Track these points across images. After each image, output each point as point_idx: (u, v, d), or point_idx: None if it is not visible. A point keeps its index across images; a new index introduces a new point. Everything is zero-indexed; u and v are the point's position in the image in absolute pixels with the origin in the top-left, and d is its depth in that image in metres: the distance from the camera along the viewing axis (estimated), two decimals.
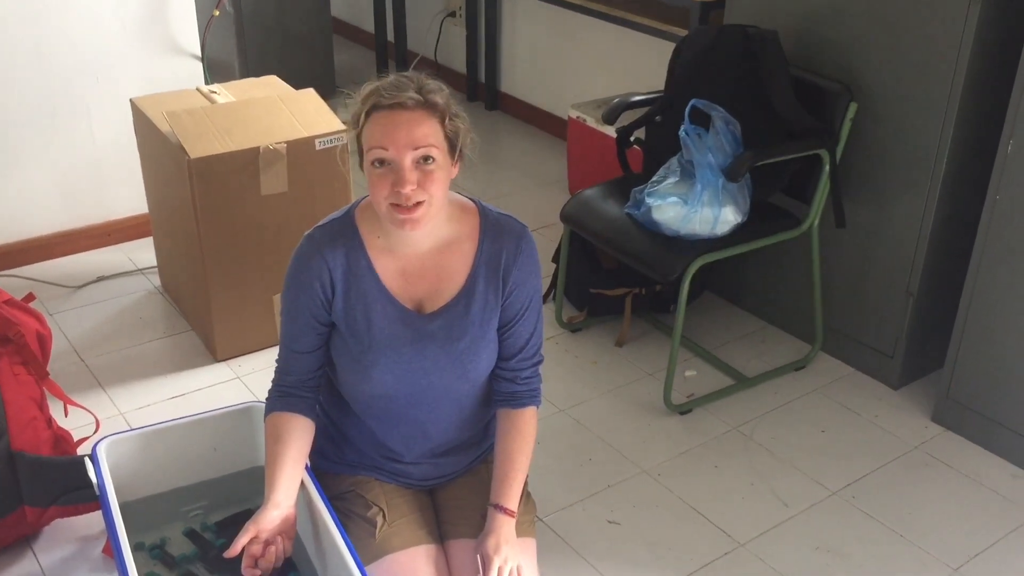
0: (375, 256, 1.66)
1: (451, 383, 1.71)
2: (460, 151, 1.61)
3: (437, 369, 1.68)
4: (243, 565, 1.57)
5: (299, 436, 1.68)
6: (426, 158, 1.54)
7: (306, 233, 1.69)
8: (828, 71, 2.57)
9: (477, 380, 1.73)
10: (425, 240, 1.65)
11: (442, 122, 1.56)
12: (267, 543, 1.58)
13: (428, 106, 1.54)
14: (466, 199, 1.73)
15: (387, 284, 1.66)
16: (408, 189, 1.53)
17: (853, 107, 2.48)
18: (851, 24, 2.52)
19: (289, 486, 1.63)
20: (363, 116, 1.57)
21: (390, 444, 1.76)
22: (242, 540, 1.56)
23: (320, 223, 1.70)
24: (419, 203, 1.55)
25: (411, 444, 1.76)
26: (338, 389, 1.78)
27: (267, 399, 1.74)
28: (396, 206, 1.56)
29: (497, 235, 1.69)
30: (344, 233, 1.66)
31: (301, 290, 1.66)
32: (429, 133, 1.54)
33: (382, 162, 1.55)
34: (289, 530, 1.61)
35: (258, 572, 1.57)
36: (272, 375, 1.75)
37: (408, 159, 1.53)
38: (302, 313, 1.67)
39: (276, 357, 1.75)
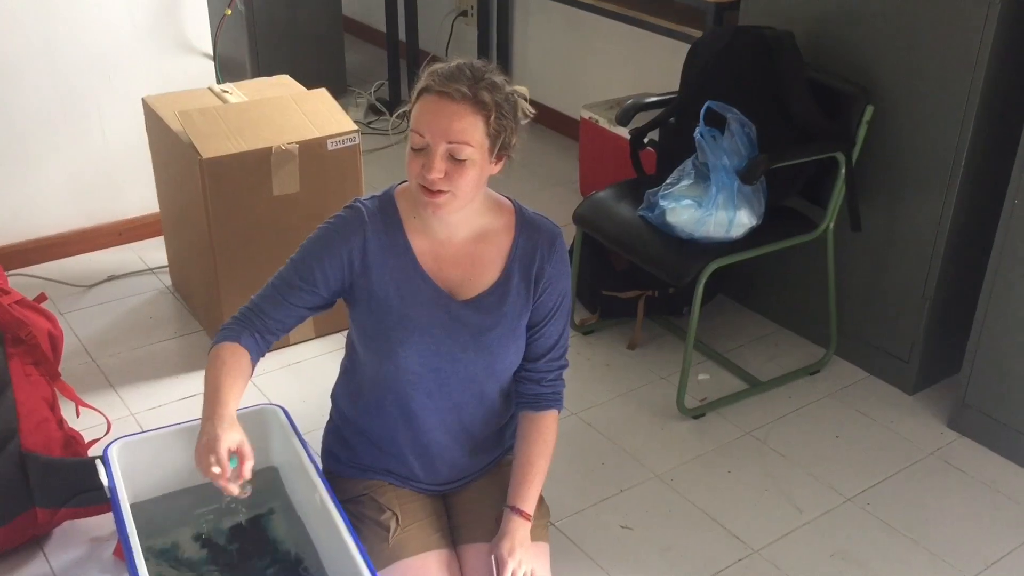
0: (412, 235, 1.66)
1: (476, 373, 1.69)
2: (503, 150, 1.59)
3: (464, 357, 1.67)
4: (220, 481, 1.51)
5: (245, 371, 1.62)
6: (459, 152, 1.53)
7: (350, 202, 1.68)
8: (845, 73, 2.54)
9: (501, 375, 1.72)
10: (460, 228, 1.66)
11: (486, 120, 1.53)
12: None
13: (475, 102, 1.52)
14: (503, 197, 1.73)
15: (423, 264, 1.66)
16: (434, 175, 1.53)
17: (870, 110, 2.46)
18: (868, 26, 2.50)
19: (235, 406, 1.57)
20: (414, 95, 1.57)
21: (402, 441, 1.74)
22: (214, 467, 1.50)
23: (361, 198, 1.70)
24: (444, 191, 1.55)
25: (426, 439, 1.73)
26: (355, 383, 1.76)
27: (224, 327, 1.66)
28: (423, 187, 1.56)
29: (532, 233, 1.70)
30: (385, 209, 1.67)
31: (328, 250, 1.64)
32: (467, 129, 1.52)
33: (418, 149, 1.55)
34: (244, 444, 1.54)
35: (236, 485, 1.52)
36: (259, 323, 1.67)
37: (441, 148, 1.53)
38: (314, 270, 1.63)
39: (255, 296, 1.68)
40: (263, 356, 1.69)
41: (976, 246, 2.48)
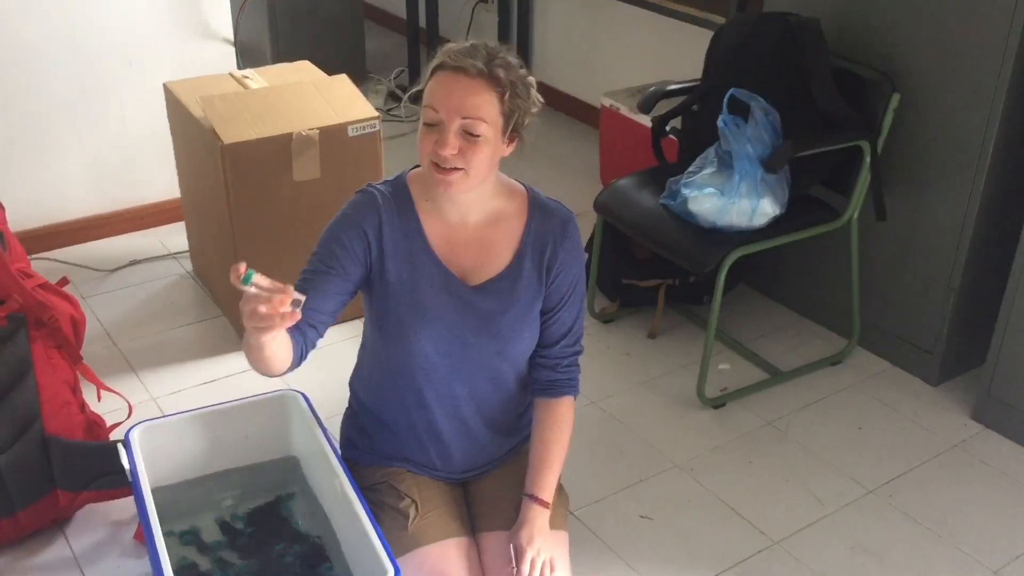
0: (424, 219, 1.65)
1: (488, 359, 1.69)
2: (516, 131, 1.59)
3: (476, 342, 1.67)
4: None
5: (286, 341, 1.55)
6: (473, 128, 1.52)
7: (362, 187, 1.68)
8: (870, 61, 2.51)
9: (515, 360, 1.72)
10: (472, 211, 1.65)
11: (501, 97, 1.53)
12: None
13: (490, 78, 1.52)
14: (516, 182, 1.72)
15: (435, 249, 1.66)
16: (447, 152, 1.53)
17: (896, 97, 2.42)
18: (894, 12, 2.47)
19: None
20: (429, 72, 1.57)
21: (418, 428, 1.74)
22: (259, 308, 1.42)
23: (374, 183, 1.70)
24: (457, 169, 1.55)
25: (440, 426, 1.73)
26: (371, 370, 1.76)
27: None
28: (435, 164, 1.56)
29: (544, 217, 1.69)
30: (398, 194, 1.66)
31: (346, 231, 1.62)
32: (481, 104, 1.52)
33: (431, 124, 1.54)
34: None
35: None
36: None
37: (455, 124, 1.52)
38: (335, 251, 1.62)
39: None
40: (307, 352, 1.62)
41: (1003, 236, 2.45)
